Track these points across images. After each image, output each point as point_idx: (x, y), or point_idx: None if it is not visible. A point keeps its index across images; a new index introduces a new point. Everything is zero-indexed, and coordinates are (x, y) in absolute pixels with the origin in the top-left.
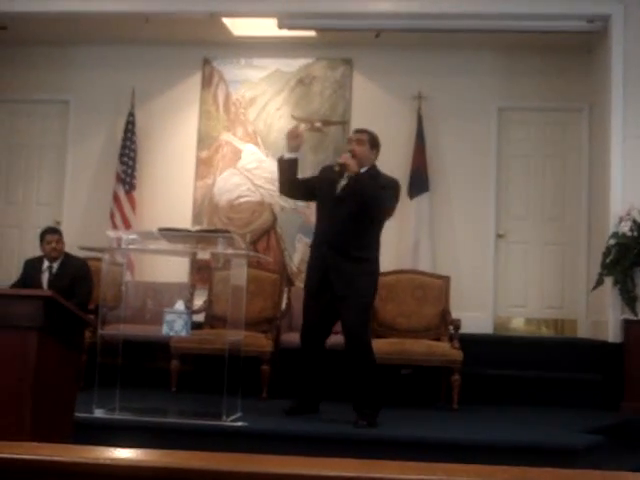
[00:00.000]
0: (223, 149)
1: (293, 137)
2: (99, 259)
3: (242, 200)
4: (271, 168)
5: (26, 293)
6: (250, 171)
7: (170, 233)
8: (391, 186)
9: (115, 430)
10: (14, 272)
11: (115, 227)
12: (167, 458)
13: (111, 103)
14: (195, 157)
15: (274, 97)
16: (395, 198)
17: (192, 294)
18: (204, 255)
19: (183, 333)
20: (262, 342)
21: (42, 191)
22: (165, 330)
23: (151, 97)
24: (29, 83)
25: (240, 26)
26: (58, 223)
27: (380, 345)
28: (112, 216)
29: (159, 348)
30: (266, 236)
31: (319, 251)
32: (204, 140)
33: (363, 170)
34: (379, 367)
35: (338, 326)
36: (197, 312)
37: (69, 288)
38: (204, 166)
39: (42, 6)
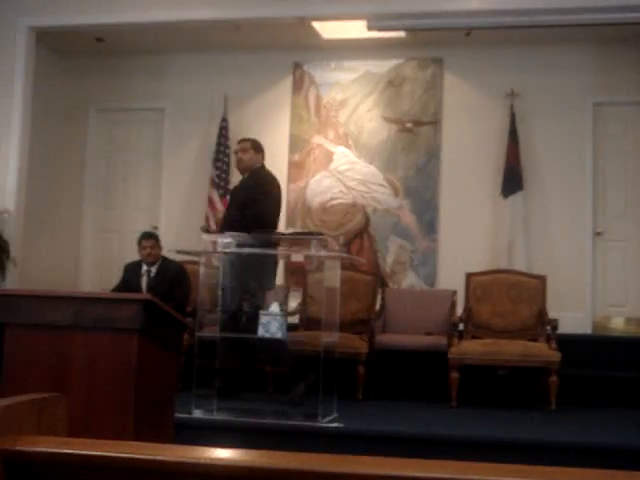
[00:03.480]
0: (315, 152)
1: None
2: (195, 262)
3: (335, 202)
4: (363, 170)
5: (126, 297)
6: (342, 173)
7: (264, 236)
8: (265, 190)
9: (213, 430)
10: (114, 276)
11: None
12: (265, 458)
13: (204, 109)
14: (287, 160)
15: (364, 99)
16: (271, 196)
17: (287, 296)
18: (298, 257)
19: (278, 335)
20: (357, 343)
21: (140, 197)
22: (261, 332)
23: (243, 102)
24: (126, 92)
25: (329, 29)
26: (155, 228)
27: (475, 346)
28: (207, 220)
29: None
30: (359, 238)
31: None
32: (296, 143)
33: (248, 173)
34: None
35: (425, 327)
36: (292, 314)
37: (167, 291)
38: (296, 169)
39: (136, 17)
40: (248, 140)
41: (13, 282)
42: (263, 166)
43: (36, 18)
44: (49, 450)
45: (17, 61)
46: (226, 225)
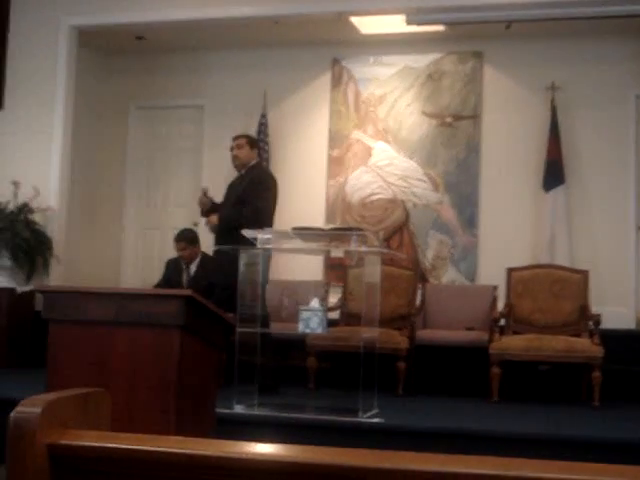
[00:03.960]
0: (354, 147)
1: (203, 206)
2: None
3: (374, 198)
4: (403, 165)
5: (167, 293)
6: (381, 168)
7: (304, 232)
8: (266, 186)
9: (254, 425)
10: (156, 272)
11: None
12: (307, 453)
13: (244, 105)
14: (327, 156)
15: (404, 94)
16: (272, 197)
17: (327, 292)
18: (338, 253)
19: (319, 330)
20: (397, 339)
21: (180, 193)
22: (301, 328)
23: (282, 98)
24: (166, 90)
25: (368, 24)
26: (195, 224)
27: (517, 341)
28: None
29: (295, 345)
30: (399, 233)
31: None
32: (335, 139)
33: (245, 170)
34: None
35: (466, 322)
36: (332, 309)
37: (208, 287)
38: (336, 165)
39: (175, 15)
40: (244, 136)
41: (57, 279)
42: (260, 162)
43: (78, 17)
44: (93, 444)
45: (60, 61)
46: (224, 225)
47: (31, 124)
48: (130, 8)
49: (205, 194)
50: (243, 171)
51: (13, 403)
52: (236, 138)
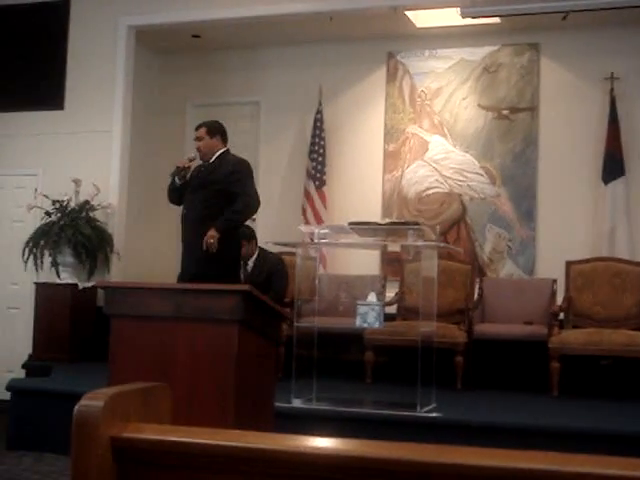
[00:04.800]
0: (410, 141)
1: (181, 170)
2: (293, 254)
3: (431, 192)
4: (459, 158)
5: (226, 288)
6: (438, 162)
7: (360, 227)
8: (244, 175)
9: (312, 420)
10: None
11: (307, 222)
12: (365, 448)
13: (299, 101)
14: (382, 150)
15: (459, 87)
16: (252, 178)
17: (384, 286)
18: (394, 247)
19: (376, 325)
20: (455, 333)
21: None
22: (358, 322)
23: (338, 93)
24: (222, 87)
25: (423, 18)
26: (252, 220)
27: (577, 335)
28: (304, 212)
29: (353, 340)
30: (456, 227)
31: (182, 232)
32: (391, 133)
33: (213, 158)
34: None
35: (524, 316)
36: (389, 304)
37: (265, 282)
38: (392, 159)
39: (231, 13)
40: (202, 125)
41: (118, 275)
42: (228, 150)
43: (136, 18)
44: (155, 437)
45: (118, 60)
46: (226, 231)
47: (91, 123)
48: (186, 7)
49: (190, 162)
50: (212, 159)
51: (77, 397)
52: (196, 129)
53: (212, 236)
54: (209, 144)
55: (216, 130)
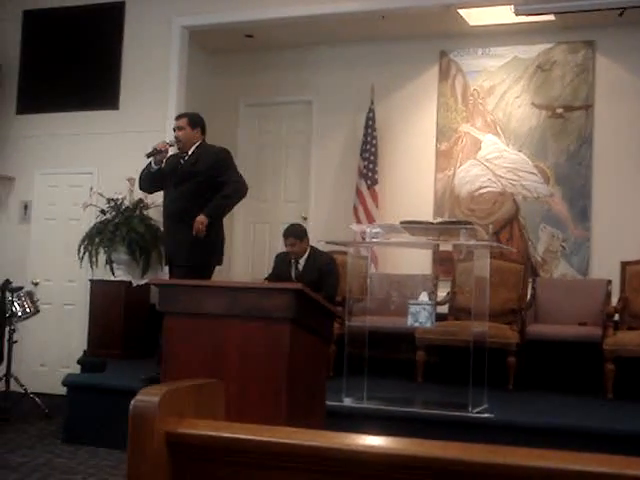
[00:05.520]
0: (462, 140)
1: (159, 152)
2: (344, 253)
3: (483, 191)
4: (512, 157)
5: (277, 286)
6: (490, 161)
7: (412, 226)
8: (227, 164)
9: (363, 418)
10: (266, 266)
11: (359, 221)
12: (418, 447)
13: (351, 100)
14: (434, 149)
15: (513, 85)
16: (234, 164)
17: (435, 285)
18: (446, 247)
19: (428, 324)
20: (507, 333)
21: (289, 189)
22: (410, 321)
23: (390, 92)
24: (274, 86)
25: (476, 16)
26: (304, 219)
27: (633, 337)
28: (355, 210)
29: (404, 339)
30: (509, 226)
31: (165, 226)
32: (443, 132)
33: (192, 149)
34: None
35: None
36: (441, 303)
37: (316, 281)
38: (444, 158)
39: (284, 12)
40: (184, 116)
41: None
42: (204, 140)
43: (189, 18)
44: (209, 433)
45: (172, 61)
46: (216, 217)
47: (145, 123)
48: (239, 7)
49: (168, 146)
50: (190, 151)
51: (131, 392)
52: (177, 118)
53: (201, 222)
54: (189, 135)
55: (197, 122)
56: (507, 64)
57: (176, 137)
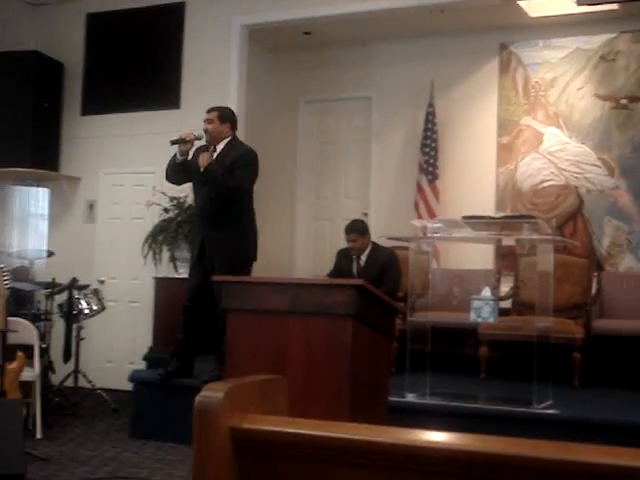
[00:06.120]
0: (524, 134)
1: (184, 142)
2: (406, 248)
3: (546, 184)
4: (575, 150)
5: (339, 282)
6: (553, 154)
7: (474, 220)
8: (248, 161)
9: (426, 414)
10: (327, 262)
11: (420, 216)
12: (482, 443)
13: (411, 95)
14: (496, 143)
15: (575, 77)
16: (253, 174)
17: (498, 281)
18: (509, 241)
19: (491, 320)
20: (572, 329)
21: (349, 185)
22: (472, 317)
23: (450, 87)
24: (333, 83)
25: (536, 7)
26: (365, 215)
27: None
28: (416, 206)
29: (467, 334)
30: (572, 220)
31: (196, 223)
32: (504, 125)
33: (222, 145)
34: None
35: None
36: (504, 299)
37: (378, 277)
38: (505, 152)
39: (342, 8)
40: (214, 109)
41: None
42: (235, 137)
43: (248, 17)
44: (273, 429)
45: (232, 59)
46: (209, 175)
47: None
48: (297, 5)
49: (195, 138)
50: (220, 147)
51: (196, 388)
52: (208, 111)
53: (204, 159)
54: (218, 129)
55: (227, 117)
56: (569, 55)
57: (205, 130)
